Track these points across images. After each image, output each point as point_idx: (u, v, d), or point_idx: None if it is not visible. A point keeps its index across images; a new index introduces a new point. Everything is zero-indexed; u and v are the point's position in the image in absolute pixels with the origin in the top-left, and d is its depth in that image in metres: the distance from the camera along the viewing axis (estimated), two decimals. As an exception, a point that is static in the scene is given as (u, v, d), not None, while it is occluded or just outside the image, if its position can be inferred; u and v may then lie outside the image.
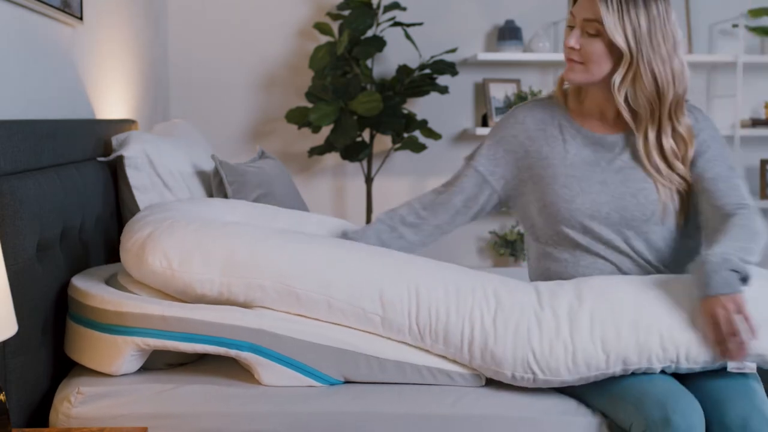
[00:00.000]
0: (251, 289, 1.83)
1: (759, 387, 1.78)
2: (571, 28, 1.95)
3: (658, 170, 1.95)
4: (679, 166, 1.95)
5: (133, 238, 1.89)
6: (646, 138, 1.95)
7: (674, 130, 1.95)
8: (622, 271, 1.95)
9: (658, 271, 1.96)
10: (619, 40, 1.88)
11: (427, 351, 1.87)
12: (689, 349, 1.75)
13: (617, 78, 1.91)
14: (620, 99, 1.93)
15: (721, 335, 1.69)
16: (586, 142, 2.01)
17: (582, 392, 1.83)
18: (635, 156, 1.97)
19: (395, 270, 1.88)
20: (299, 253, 1.86)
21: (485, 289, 1.85)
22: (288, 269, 1.83)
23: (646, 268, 1.96)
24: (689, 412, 1.65)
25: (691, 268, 1.78)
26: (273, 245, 1.87)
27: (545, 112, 2.05)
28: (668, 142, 1.94)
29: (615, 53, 1.91)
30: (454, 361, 1.86)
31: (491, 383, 1.87)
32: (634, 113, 1.95)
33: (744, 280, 1.71)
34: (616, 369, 1.76)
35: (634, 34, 1.88)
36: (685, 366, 1.77)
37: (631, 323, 1.76)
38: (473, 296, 1.84)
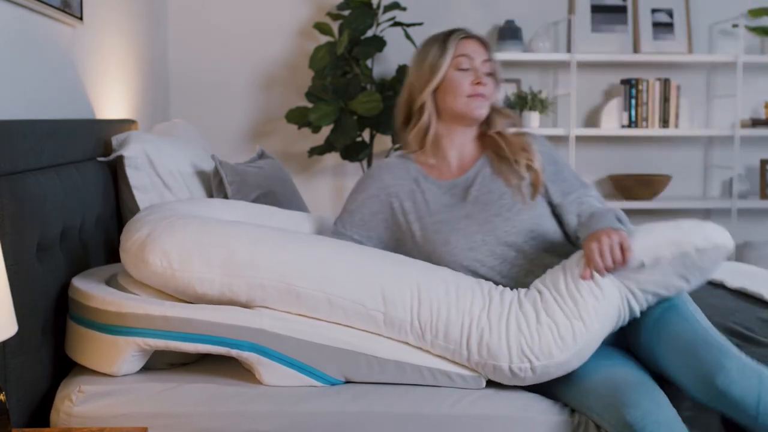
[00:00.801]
0: (252, 289, 1.83)
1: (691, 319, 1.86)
2: (463, 70, 2.13)
3: (516, 168, 2.11)
4: (520, 157, 2.13)
5: (132, 238, 1.89)
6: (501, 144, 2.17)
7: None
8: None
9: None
10: (500, 74, 2.20)
11: (427, 351, 1.87)
12: (638, 280, 1.86)
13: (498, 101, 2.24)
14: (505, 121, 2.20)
15: (600, 256, 1.83)
16: (442, 190, 2.14)
17: (563, 396, 1.86)
18: (486, 182, 2.12)
19: (396, 269, 1.89)
20: (299, 251, 1.87)
21: (481, 289, 1.89)
22: (288, 268, 1.84)
23: (548, 262, 2.03)
24: (638, 399, 1.70)
25: (579, 223, 2.02)
26: (273, 244, 1.87)
27: (401, 169, 2.18)
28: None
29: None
30: (454, 362, 1.86)
31: (491, 384, 1.88)
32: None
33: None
34: (594, 326, 1.81)
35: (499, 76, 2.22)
36: (641, 297, 1.88)
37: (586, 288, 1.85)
38: (472, 294, 1.86)
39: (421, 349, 1.87)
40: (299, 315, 1.86)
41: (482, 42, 2.18)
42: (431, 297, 1.84)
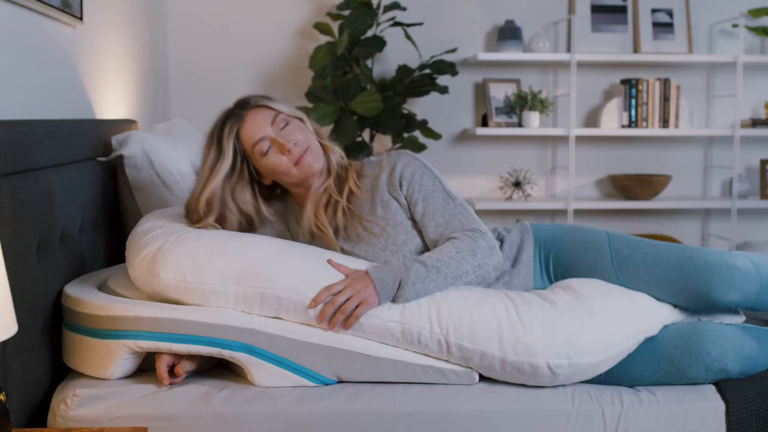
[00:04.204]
0: (267, 299, 1.82)
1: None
2: (267, 151, 1.99)
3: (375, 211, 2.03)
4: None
5: (141, 254, 1.88)
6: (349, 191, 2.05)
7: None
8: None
9: None
10: (297, 114, 2.06)
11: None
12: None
13: (324, 137, 2.08)
14: (338, 156, 2.08)
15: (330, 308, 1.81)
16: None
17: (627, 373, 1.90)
18: (354, 219, 2.04)
19: None
20: (314, 264, 1.87)
21: (497, 292, 1.92)
22: (304, 279, 1.83)
23: None
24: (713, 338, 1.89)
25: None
26: (289, 256, 1.87)
27: (282, 205, 2.12)
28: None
29: (306, 129, 2.05)
30: (447, 360, 1.86)
31: (485, 379, 1.88)
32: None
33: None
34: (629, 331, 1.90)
35: (293, 111, 2.06)
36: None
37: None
38: (489, 296, 1.88)
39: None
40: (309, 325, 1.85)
41: (258, 106, 2.03)
42: (450, 304, 1.85)
